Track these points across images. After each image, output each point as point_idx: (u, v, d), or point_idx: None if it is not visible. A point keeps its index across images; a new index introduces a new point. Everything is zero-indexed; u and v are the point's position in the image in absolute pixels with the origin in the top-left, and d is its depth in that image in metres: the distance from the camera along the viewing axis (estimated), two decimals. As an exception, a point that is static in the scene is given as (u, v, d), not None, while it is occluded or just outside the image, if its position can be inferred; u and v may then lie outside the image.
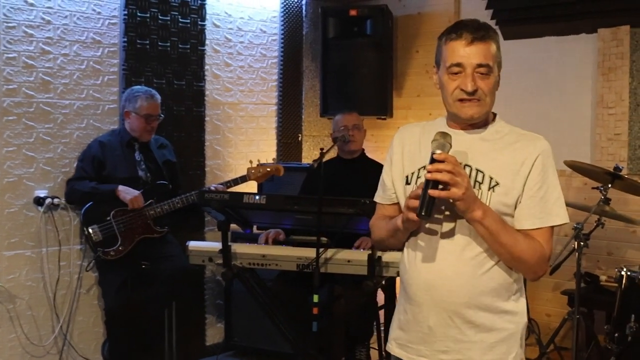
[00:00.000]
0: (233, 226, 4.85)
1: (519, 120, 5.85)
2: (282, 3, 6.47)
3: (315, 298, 4.31)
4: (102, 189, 4.98)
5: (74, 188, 5.06)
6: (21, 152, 4.96)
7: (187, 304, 5.76)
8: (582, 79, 5.70)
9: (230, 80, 6.14)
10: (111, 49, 5.38)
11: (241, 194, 4.59)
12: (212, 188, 5.22)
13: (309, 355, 4.55)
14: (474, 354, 2.46)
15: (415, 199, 2.33)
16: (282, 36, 6.51)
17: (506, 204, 2.41)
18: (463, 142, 2.48)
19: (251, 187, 5.70)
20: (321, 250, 4.34)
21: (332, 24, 6.33)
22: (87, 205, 4.98)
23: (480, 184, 2.44)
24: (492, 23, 5.92)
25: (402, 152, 2.62)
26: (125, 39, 5.40)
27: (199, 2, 5.77)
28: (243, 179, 5.30)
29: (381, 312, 5.24)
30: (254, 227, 5.50)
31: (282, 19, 6.50)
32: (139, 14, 5.44)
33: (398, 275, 2.84)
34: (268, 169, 5.31)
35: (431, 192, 2.28)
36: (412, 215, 2.34)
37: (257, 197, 4.51)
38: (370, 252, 4.30)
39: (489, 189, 2.43)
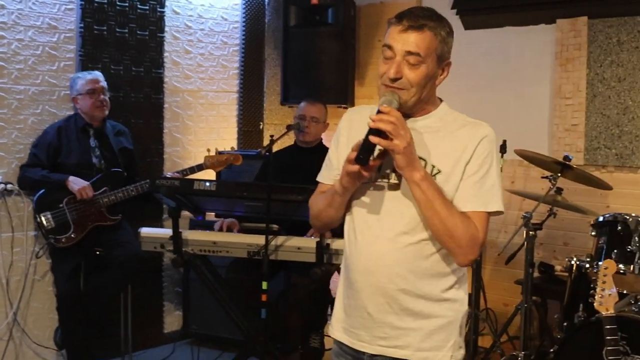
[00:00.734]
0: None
1: (477, 109, 5.90)
2: (244, -10, 6.47)
3: (264, 285, 4.33)
4: (53, 178, 4.97)
5: (25, 175, 5.05)
6: (-26, 138, 4.95)
7: (145, 291, 5.77)
8: (540, 69, 5.74)
9: (190, 67, 6.13)
10: (67, 35, 5.34)
11: (192, 181, 4.60)
12: (169, 176, 5.21)
13: (259, 343, 4.55)
14: (412, 341, 2.46)
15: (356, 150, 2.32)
16: (244, 24, 6.49)
17: (447, 191, 2.39)
18: None
19: (211, 174, 5.70)
20: (271, 237, 4.36)
21: (294, 12, 6.33)
22: (40, 193, 4.97)
23: None
24: (453, 12, 5.95)
25: (349, 133, 2.58)
26: (82, 25, 5.37)
27: (158, -12, 5.77)
28: (200, 167, 5.29)
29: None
30: (213, 215, 5.53)
31: (244, 6, 6.48)
32: (96, 0, 5.41)
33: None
34: (225, 158, 5.30)
35: (371, 138, 2.27)
36: (352, 167, 2.32)
37: (208, 184, 4.52)
38: (318, 239, 4.32)
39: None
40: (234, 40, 6.45)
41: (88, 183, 4.96)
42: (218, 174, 5.75)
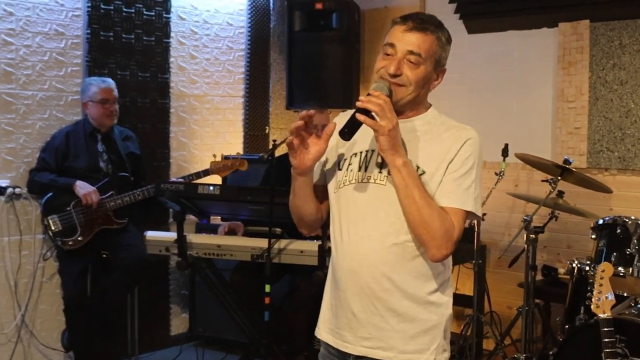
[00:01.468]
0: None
1: (480, 113, 5.98)
2: (249, -4, 6.54)
3: (267, 288, 4.39)
4: (61, 182, 5.05)
5: (34, 179, 5.13)
6: (-17, 142, 5.02)
7: (152, 294, 5.84)
8: (543, 73, 5.78)
9: (196, 72, 6.19)
10: (74, 41, 5.42)
11: (196, 185, 4.67)
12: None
13: (262, 345, 4.61)
14: (396, 343, 2.48)
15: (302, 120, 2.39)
16: (249, 29, 6.56)
17: (429, 190, 2.42)
18: None
19: (217, 178, 5.76)
20: (273, 240, 4.42)
21: (299, 17, 6.37)
22: (48, 196, 5.05)
23: None
24: (456, 17, 6.00)
25: (337, 138, 2.57)
26: (89, 31, 5.45)
27: (164, -6, 5.84)
28: (206, 173, 5.36)
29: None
30: (219, 218, 5.59)
31: (249, 12, 6.55)
32: (102, 7, 5.49)
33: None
34: (231, 164, 5.36)
35: (358, 115, 2.31)
36: (291, 139, 2.39)
37: (212, 188, 4.58)
38: (320, 242, 4.37)
39: None
40: (239, 45, 6.52)
41: (94, 188, 5.03)
42: (224, 178, 5.81)
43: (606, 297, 3.59)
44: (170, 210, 5.81)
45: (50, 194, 5.05)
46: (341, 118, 2.67)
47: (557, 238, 5.68)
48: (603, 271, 3.59)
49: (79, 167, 5.15)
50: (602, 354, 3.64)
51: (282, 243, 4.47)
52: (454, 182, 2.43)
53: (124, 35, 5.63)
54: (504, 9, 5.84)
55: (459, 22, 6.02)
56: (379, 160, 2.48)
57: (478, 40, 6.03)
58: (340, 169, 2.57)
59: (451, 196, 2.43)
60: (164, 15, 5.86)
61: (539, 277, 5.33)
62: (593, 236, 4.62)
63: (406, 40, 2.42)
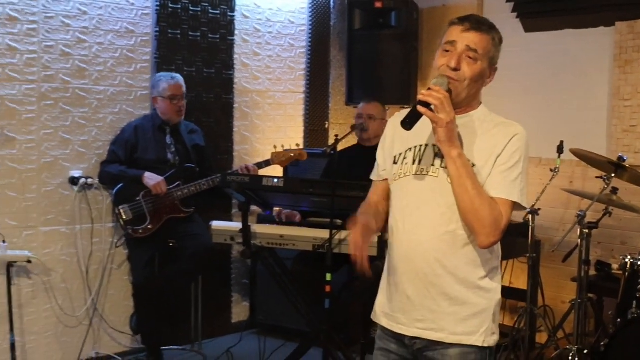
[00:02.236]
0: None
1: (537, 110, 6.06)
2: (311, -5, 6.72)
3: (328, 276, 4.55)
4: (130, 173, 5.28)
5: (105, 171, 5.37)
6: (58, 135, 5.27)
7: (214, 282, 6.05)
8: (599, 71, 5.82)
9: (259, 68, 6.39)
10: (144, 39, 5.65)
11: (260, 177, 4.85)
12: (243, 167, 5.45)
13: (322, 332, 4.77)
14: (447, 325, 2.64)
15: None
16: (310, 27, 6.73)
17: (479, 181, 2.58)
18: None
19: (278, 170, 5.96)
20: (335, 231, 4.58)
21: (358, 15, 6.51)
22: (119, 186, 5.28)
23: None
24: (513, 16, 6.10)
25: (393, 135, 2.83)
26: (157, 29, 5.68)
27: (229, -7, 6.05)
28: (267, 163, 5.53)
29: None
30: (281, 210, 5.77)
31: (310, 10, 6.72)
32: (170, 5, 5.71)
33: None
34: (291, 154, 5.53)
35: (419, 107, 2.49)
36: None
37: (276, 180, 4.77)
38: (380, 233, 4.52)
39: None
40: (300, 43, 6.70)
41: (162, 178, 5.24)
42: (285, 170, 5.99)
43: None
44: (234, 201, 6.03)
45: (121, 184, 5.28)
46: (395, 119, 2.86)
47: (612, 234, 5.73)
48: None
49: (147, 159, 5.37)
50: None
51: (343, 234, 4.60)
52: (502, 175, 2.59)
53: (190, 33, 5.85)
54: (561, 8, 5.90)
55: (516, 20, 6.10)
56: (435, 152, 2.65)
57: (535, 38, 6.11)
58: (396, 163, 2.76)
59: (499, 187, 2.58)
60: (229, 13, 6.06)
61: (592, 272, 5.40)
62: (647, 232, 4.69)
63: (465, 37, 2.60)
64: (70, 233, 5.36)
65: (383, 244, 4.47)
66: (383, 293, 2.84)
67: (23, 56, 5.05)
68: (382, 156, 2.87)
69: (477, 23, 2.65)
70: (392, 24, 6.46)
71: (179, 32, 5.78)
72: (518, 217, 5.80)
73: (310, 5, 6.72)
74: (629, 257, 4.70)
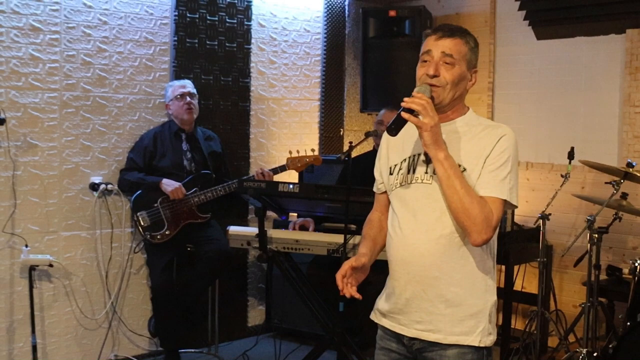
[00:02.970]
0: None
1: (548, 117, 6.13)
2: (326, 4, 6.81)
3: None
4: (148, 180, 5.40)
5: (124, 178, 5.50)
6: (79, 142, 5.39)
7: (231, 286, 6.15)
8: (610, 78, 5.90)
9: (275, 76, 6.50)
10: (162, 48, 5.78)
11: (276, 183, 4.95)
12: (259, 171, 5.55)
13: (337, 334, 4.86)
14: (444, 326, 2.73)
15: None
16: (325, 35, 6.84)
17: (470, 184, 2.67)
18: None
19: (293, 176, 6.05)
20: (349, 236, 4.68)
21: (373, 23, 6.61)
22: (137, 193, 5.40)
23: None
24: (525, 24, 6.18)
25: (387, 147, 2.95)
26: (176, 38, 5.80)
27: (246, 3, 6.15)
28: (283, 168, 5.63)
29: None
30: (295, 215, 5.86)
31: (325, 19, 6.83)
32: (188, 15, 5.84)
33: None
34: (307, 159, 5.62)
35: (403, 114, 2.59)
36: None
37: (291, 186, 4.86)
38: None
39: None
40: (315, 51, 6.81)
41: (180, 184, 5.36)
42: (300, 176, 6.08)
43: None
44: (250, 206, 6.13)
45: (139, 191, 5.40)
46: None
47: (623, 239, 5.80)
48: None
49: (164, 166, 5.49)
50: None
51: (357, 239, 4.69)
52: (491, 174, 2.68)
53: (208, 42, 5.97)
54: (573, 16, 5.98)
55: (528, 28, 6.19)
56: (424, 158, 2.75)
57: (547, 46, 6.19)
58: (392, 174, 2.86)
59: (488, 186, 2.67)
60: (245, 22, 6.18)
61: (603, 276, 5.47)
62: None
63: (439, 45, 2.72)
64: (91, 238, 5.48)
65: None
66: (383, 295, 2.95)
67: (45, 65, 5.18)
68: (379, 170, 2.98)
69: (450, 30, 2.76)
70: (405, 32, 6.55)
71: (196, 41, 5.90)
72: (530, 222, 5.90)
73: (325, 14, 6.82)
74: (639, 261, 4.78)
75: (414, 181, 2.77)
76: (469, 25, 6.62)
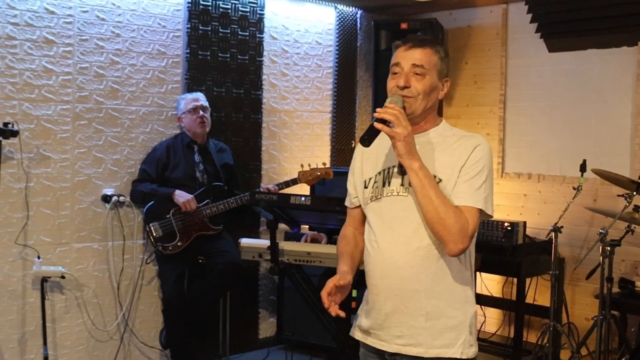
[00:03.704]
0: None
1: (560, 129, 6.13)
2: (337, 16, 6.83)
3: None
4: (161, 191, 5.42)
5: (136, 189, 5.52)
6: (91, 154, 5.42)
7: (242, 298, 6.14)
8: (622, 90, 5.88)
9: (287, 89, 6.52)
10: (175, 60, 5.81)
11: (288, 195, 4.96)
12: (264, 187, 5.59)
13: (348, 346, 4.85)
14: (425, 339, 2.71)
15: None
16: (337, 48, 6.86)
17: (446, 195, 2.65)
18: None
19: (305, 189, 6.06)
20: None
21: (384, 36, 6.59)
22: (149, 204, 5.42)
23: None
24: (537, 36, 6.17)
25: (361, 160, 2.91)
26: (188, 51, 5.83)
27: (258, 15, 6.17)
28: (294, 182, 5.65)
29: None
30: (307, 227, 5.87)
31: (337, 31, 6.85)
32: (201, 27, 5.86)
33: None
34: (318, 173, 5.63)
35: (376, 124, 2.57)
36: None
37: (303, 199, 4.87)
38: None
39: None
40: (327, 63, 6.83)
41: (192, 196, 5.37)
42: (312, 189, 6.09)
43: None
44: (262, 218, 6.14)
45: (152, 202, 5.42)
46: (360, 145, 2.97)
47: (635, 252, 5.77)
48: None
49: (177, 177, 5.50)
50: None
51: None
52: (466, 184, 2.66)
53: (220, 54, 5.99)
54: (584, 28, 5.97)
55: (540, 40, 6.18)
56: (398, 170, 2.73)
57: (558, 58, 6.18)
58: (367, 187, 2.84)
59: (463, 196, 2.65)
60: (258, 35, 6.20)
61: (616, 289, 5.45)
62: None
63: (409, 56, 2.72)
64: (103, 249, 5.50)
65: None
66: (362, 311, 2.91)
67: (58, 77, 5.21)
68: (352, 183, 2.95)
69: (419, 40, 2.76)
70: (417, 44, 6.54)
71: (209, 53, 5.92)
72: (542, 234, 5.89)
73: (337, 27, 6.84)
74: (651, 274, 4.76)
75: (389, 194, 2.75)
76: (481, 38, 6.67)
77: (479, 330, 6.56)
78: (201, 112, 5.55)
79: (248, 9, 6.11)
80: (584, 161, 5.44)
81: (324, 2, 6.68)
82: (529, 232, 5.94)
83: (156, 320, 5.79)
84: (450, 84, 2.83)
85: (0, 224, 4.90)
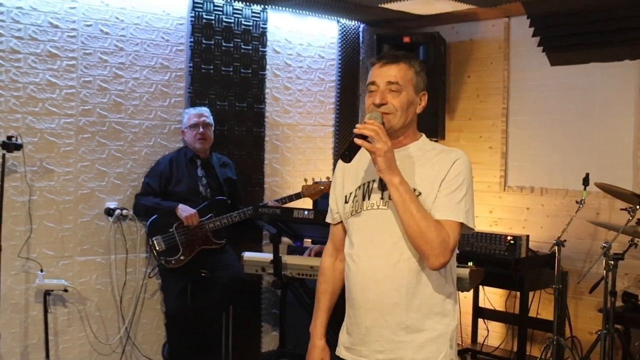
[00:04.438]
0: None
1: (563, 143, 6.12)
2: (340, 30, 6.84)
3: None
4: (164, 205, 5.43)
5: (139, 203, 5.52)
6: (94, 167, 5.43)
7: (245, 312, 6.13)
8: (624, 103, 5.88)
9: (290, 102, 6.53)
10: (178, 74, 5.82)
11: (291, 209, 4.97)
12: (268, 204, 5.60)
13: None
14: (406, 353, 2.71)
15: None
16: (340, 61, 6.87)
17: (426, 208, 2.66)
18: None
19: (307, 202, 6.05)
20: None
21: (387, 50, 6.61)
22: (152, 218, 5.42)
23: None
24: (539, 50, 6.18)
25: (342, 176, 2.94)
26: (191, 64, 5.84)
27: (261, 29, 6.19)
28: (298, 196, 5.66)
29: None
30: (310, 242, 5.87)
31: (340, 45, 6.86)
32: (204, 41, 5.88)
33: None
34: (321, 187, 5.64)
35: (356, 140, 2.58)
36: None
37: (306, 212, 4.88)
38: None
39: None
40: (330, 77, 6.84)
41: (195, 211, 5.38)
42: (314, 203, 6.09)
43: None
44: (265, 232, 6.14)
45: (155, 216, 5.42)
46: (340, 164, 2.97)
47: (639, 265, 5.74)
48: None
49: (180, 191, 5.51)
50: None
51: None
52: (446, 198, 2.68)
53: (223, 68, 6.01)
54: (587, 42, 5.97)
55: (542, 54, 6.19)
56: (378, 184, 2.75)
57: (561, 72, 6.18)
58: (347, 202, 2.86)
59: (444, 210, 2.66)
60: (260, 49, 6.22)
61: (619, 303, 5.45)
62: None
63: (384, 74, 2.74)
64: (105, 263, 5.50)
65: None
66: (343, 327, 2.92)
67: (62, 91, 5.23)
68: (334, 199, 2.97)
69: (393, 56, 2.77)
70: (420, 58, 6.56)
71: (212, 67, 5.94)
72: (545, 248, 5.89)
73: (340, 40, 6.86)
74: (654, 288, 4.76)
75: (369, 207, 2.76)
76: (483, 52, 6.68)
77: (482, 344, 6.55)
78: (201, 129, 5.56)
79: (251, 23, 6.13)
80: (587, 175, 5.44)
81: (326, 16, 6.69)
82: (531, 245, 5.94)
83: (159, 333, 5.79)
84: (427, 97, 2.83)
85: (4, 237, 4.89)
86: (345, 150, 2.64)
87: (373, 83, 2.75)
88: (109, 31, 5.42)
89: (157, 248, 5.35)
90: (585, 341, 5.89)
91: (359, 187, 2.82)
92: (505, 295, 6.46)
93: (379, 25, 7.00)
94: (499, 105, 6.59)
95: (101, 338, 5.49)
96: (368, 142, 2.57)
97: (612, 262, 4.97)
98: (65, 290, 5.19)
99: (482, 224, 6.58)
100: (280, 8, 6.31)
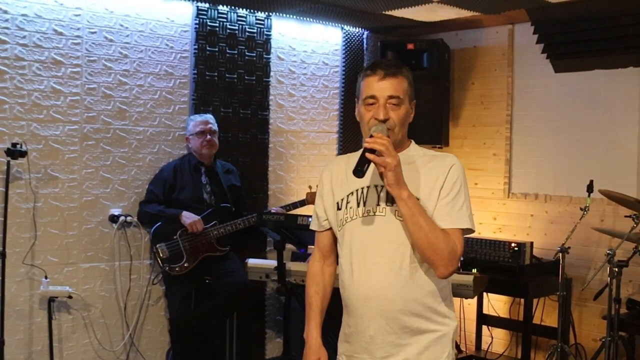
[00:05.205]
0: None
1: (566, 150, 6.12)
2: (344, 37, 6.85)
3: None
4: (168, 212, 5.43)
5: (143, 210, 5.52)
6: (99, 174, 5.44)
7: (249, 318, 6.13)
8: (629, 110, 5.89)
9: (294, 109, 6.54)
10: (182, 81, 5.83)
11: (295, 216, 4.98)
12: (272, 210, 5.60)
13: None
14: (410, 356, 2.73)
15: None
16: (344, 68, 6.88)
17: (427, 213, 2.68)
18: None
19: (311, 210, 6.04)
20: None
21: (391, 56, 6.59)
22: (156, 225, 5.43)
23: None
24: (543, 57, 6.19)
25: (331, 182, 2.93)
26: (195, 71, 5.85)
27: (265, 36, 6.20)
28: (302, 203, 5.67)
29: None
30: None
31: (344, 52, 6.87)
32: (208, 48, 5.89)
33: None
34: (325, 194, 5.63)
35: (367, 154, 2.58)
36: None
37: (310, 219, 4.86)
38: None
39: None
40: (334, 84, 6.85)
41: (199, 217, 5.38)
42: (318, 210, 6.08)
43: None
44: (269, 239, 6.14)
45: (159, 223, 5.42)
46: (330, 166, 3.00)
47: (644, 273, 5.78)
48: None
49: (184, 198, 5.51)
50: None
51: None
52: (448, 206, 2.70)
53: (227, 75, 6.02)
54: (591, 49, 5.98)
55: (546, 61, 6.19)
56: (377, 192, 2.74)
57: (565, 78, 6.19)
58: (339, 209, 2.85)
59: (447, 219, 2.69)
60: (265, 56, 6.23)
61: (623, 310, 5.44)
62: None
63: (383, 87, 2.73)
64: (110, 269, 5.51)
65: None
66: (343, 337, 2.93)
67: (67, 98, 5.24)
68: (322, 206, 2.96)
69: (389, 68, 2.76)
70: (424, 64, 6.57)
71: (216, 74, 5.95)
72: (549, 255, 5.88)
73: (344, 47, 6.86)
74: (659, 295, 4.75)
75: (365, 214, 2.76)
76: (487, 58, 6.69)
77: (486, 351, 6.54)
78: (208, 136, 5.56)
79: (255, 30, 6.14)
80: (591, 182, 5.45)
81: (330, 23, 6.70)
82: (536, 252, 5.94)
83: (163, 340, 5.79)
84: (415, 105, 2.84)
85: (8, 244, 4.91)
86: (357, 165, 2.62)
87: (372, 97, 2.74)
88: (114, 38, 5.44)
89: (161, 255, 5.36)
90: (589, 348, 5.88)
91: (351, 193, 2.81)
92: (509, 302, 6.45)
93: (383, 32, 7.01)
94: (503, 112, 6.59)
95: (105, 345, 5.49)
96: (378, 156, 2.57)
97: (616, 269, 4.97)
98: (70, 297, 5.19)
99: (486, 231, 6.58)
100: (284, 15, 6.32)
